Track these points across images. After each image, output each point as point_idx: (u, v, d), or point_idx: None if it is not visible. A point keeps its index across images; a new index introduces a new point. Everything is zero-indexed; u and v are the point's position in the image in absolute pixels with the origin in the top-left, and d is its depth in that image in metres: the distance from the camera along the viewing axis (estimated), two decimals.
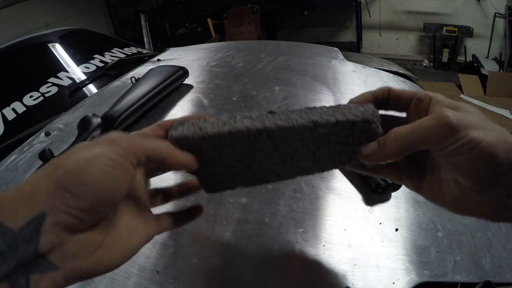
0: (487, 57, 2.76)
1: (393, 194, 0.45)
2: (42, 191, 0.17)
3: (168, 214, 0.26)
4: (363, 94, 0.26)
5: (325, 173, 0.49)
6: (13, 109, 0.78)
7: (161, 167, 0.22)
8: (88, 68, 0.96)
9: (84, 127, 0.57)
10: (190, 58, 0.98)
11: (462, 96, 2.19)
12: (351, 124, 0.23)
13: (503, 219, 0.21)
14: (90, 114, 0.58)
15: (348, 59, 0.94)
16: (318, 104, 0.73)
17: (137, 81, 0.73)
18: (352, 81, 0.79)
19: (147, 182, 0.25)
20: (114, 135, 0.20)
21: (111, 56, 1.05)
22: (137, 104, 0.63)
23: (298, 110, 0.24)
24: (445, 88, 2.31)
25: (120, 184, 0.18)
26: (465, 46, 2.84)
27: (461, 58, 2.89)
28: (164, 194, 0.27)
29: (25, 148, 0.61)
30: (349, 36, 3.36)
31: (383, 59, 1.08)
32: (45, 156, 0.50)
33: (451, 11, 2.83)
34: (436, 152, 0.21)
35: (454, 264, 0.38)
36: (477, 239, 0.41)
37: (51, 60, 0.96)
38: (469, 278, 0.37)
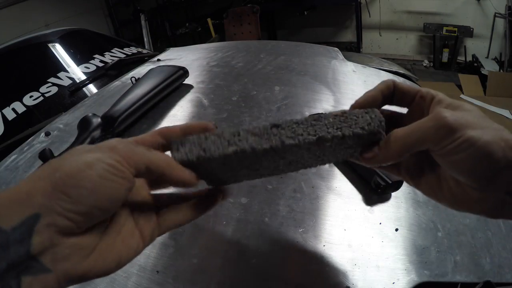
0: (487, 57, 2.76)
1: (393, 194, 0.45)
2: (39, 192, 0.16)
3: (175, 209, 0.25)
4: (371, 95, 0.25)
5: (325, 173, 0.49)
6: (13, 109, 0.78)
7: (161, 180, 0.21)
8: (88, 68, 0.96)
9: (84, 127, 0.57)
10: (190, 58, 0.98)
11: (462, 96, 2.19)
12: (357, 137, 0.23)
13: (502, 215, 0.21)
14: (90, 114, 0.58)
15: (348, 59, 0.94)
16: (318, 104, 0.73)
17: (137, 81, 0.73)
18: (352, 81, 0.79)
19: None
20: (114, 141, 0.20)
21: (111, 56, 1.05)
22: (137, 104, 0.63)
23: (303, 122, 0.23)
24: (445, 88, 2.31)
25: (119, 191, 0.18)
26: (465, 46, 2.84)
27: (461, 58, 2.89)
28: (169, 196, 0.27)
29: (25, 148, 0.61)
30: (349, 36, 3.37)
31: (383, 59, 1.08)
32: (45, 156, 0.50)
33: (451, 11, 2.83)
34: (434, 152, 0.21)
35: (454, 264, 0.38)
36: (477, 239, 0.41)
37: (51, 60, 0.96)
38: (469, 278, 0.37)
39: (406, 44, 3.16)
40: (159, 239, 0.40)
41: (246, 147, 0.22)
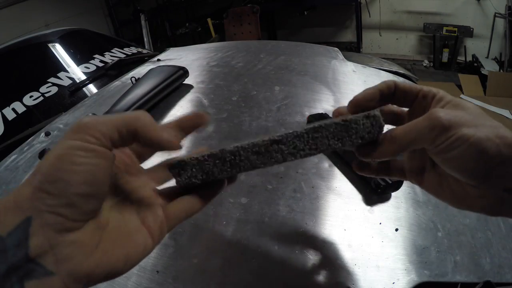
0: (487, 57, 2.76)
1: (393, 194, 0.45)
2: (24, 198, 0.17)
3: (185, 200, 0.24)
4: (369, 92, 0.25)
5: (325, 173, 0.49)
6: (13, 109, 0.78)
7: (138, 140, 0.20)
8: (88, 68, 0.96)
9: None
10: (190, 58, 0.98)
11: (462, 96, 2.19)
12: (357, 146, 0.24)
13: (501, 213, 0.21)
14: (90, 114, 0.58)
15: (348, 59, 0.94)
16: (318, 104, 0.73)
17: (137, 81, 0.73)
18: (352, 81, 0.79)
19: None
20: (81, 119, 0.19)
21: (111, 56, 1.05)
22: (137, 104, 0.63)
23: (304, 135, 0.23)
24: (445, 88, 2.26)
25: (97, 173, 0.18)
26: (465, 46, 2.84)
27: (461, 58, 2.89)
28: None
29: (25, 148, 0.61)
30: (349, 36, 3.36)
31: (383, 59, 1.08)
32: None
33: (451, 11, 2.83)
34: (430, 151, 0.21)
35: (454, 264, 0.38)
36: (477, 239, 0.41)
37: (51, 60, 0.96)
38: (469, 278, 0.37)
39: (406, 44, 3.16)
40: None
41: (248, 166, 0.23)
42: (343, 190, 0.46)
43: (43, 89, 0.84)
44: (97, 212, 0.19)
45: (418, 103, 0.25)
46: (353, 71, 0.84)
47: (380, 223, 0.41)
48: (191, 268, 0.37)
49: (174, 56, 1.02)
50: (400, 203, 0.44)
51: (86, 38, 1.22)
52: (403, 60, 3.13)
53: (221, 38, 2.68)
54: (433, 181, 0.24)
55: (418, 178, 0.26)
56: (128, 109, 0.61)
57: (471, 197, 0.21)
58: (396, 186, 0.44)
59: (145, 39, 2.04)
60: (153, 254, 0.38)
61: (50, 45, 1.01)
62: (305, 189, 0.46)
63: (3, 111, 0.77)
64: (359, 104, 0.25)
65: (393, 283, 0.35)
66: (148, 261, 0.38)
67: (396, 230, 0.41)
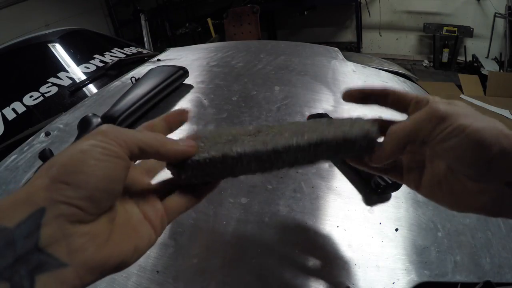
0: (487, 57, 2.76)
1: (393, 194, 0.45)
2: (39, 189, 0.17)
3: (181, 194, 0.24)
4: (367, 90, 0.27)
5: (325, 173, 0.49)
6: (13, 109, 0.78)
7: (156, 157, 0.21)
8: (88, 68, 0.96)
9: (84, 127, 0.57)
10: (190, 58, 0.98)
11: (462, 96, 2.19)
12: (355, 153, 0.26)
13: (502, 212, 0.21)
14: (90, 114, 0.58)
15: (348, 59, 0.94)
16: (318, 104, 0.73)
17: (137, 81, 0.73)
18: (352, 81, 0.79)
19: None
20: (104, 127, 0.20)
21: (111, 56, 1.05)
22: (137, 104, 0.63)
23: (305, 149, 0.24)
24: (445, 88, 2.31)
25: (116, 170, 0.18)
26: (465, 46, 2.84)
27: (461, 58, 2.89)
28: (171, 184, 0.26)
29: (25, 148, 0.61)
30: (349, 36, 3.36)
31: (383, 59, 1.08)
32: (45, 156, 0.50)
33: (451, 11, 2.83)
34: (429, 143, 0.21)
35: (454, 264, 0.38)
36: (477, 239, 0.41)
37: (51, 60, 0.96)
38: (469, 278, 0.37)
39: (406, 44, 3.16)
40: (159, 239, 0.40)
41: (248, 171, 0.24)
42: (343, 190, 0.46)
43: (43, 89, 0.84)
44: (112, 207, 0.19)
45: (413, 110, 0.25)
46: (353, 71, 0.84)
47: (380, 223, 0.41)
48: (191, 268, 0.37)
49: (174, 56, 1.02)
50: (400, 203, 0.44)
51: (86, 38, 1.22)
52: (403, 60, 3.13)
53: (221, 38, 2.68)
54: (431, 181, 0.24)
55: (416, 183, 0.26)
56: (128, 109, 0.61)
57: (471, 195, 0.21)
58: (396, 186, 0.43)
59: (145, 39, 2.04)
60: (153, 254, 0.38)
61: (50, 45, 1.01)
62: (305, 189, 0.46)
63: (3, 111, 0.77)
64: (353, 98, 0.27)
65: (393, 283, 0.35)
66: (148, 261, 0.38)
67: (396, 230, 0.41)
